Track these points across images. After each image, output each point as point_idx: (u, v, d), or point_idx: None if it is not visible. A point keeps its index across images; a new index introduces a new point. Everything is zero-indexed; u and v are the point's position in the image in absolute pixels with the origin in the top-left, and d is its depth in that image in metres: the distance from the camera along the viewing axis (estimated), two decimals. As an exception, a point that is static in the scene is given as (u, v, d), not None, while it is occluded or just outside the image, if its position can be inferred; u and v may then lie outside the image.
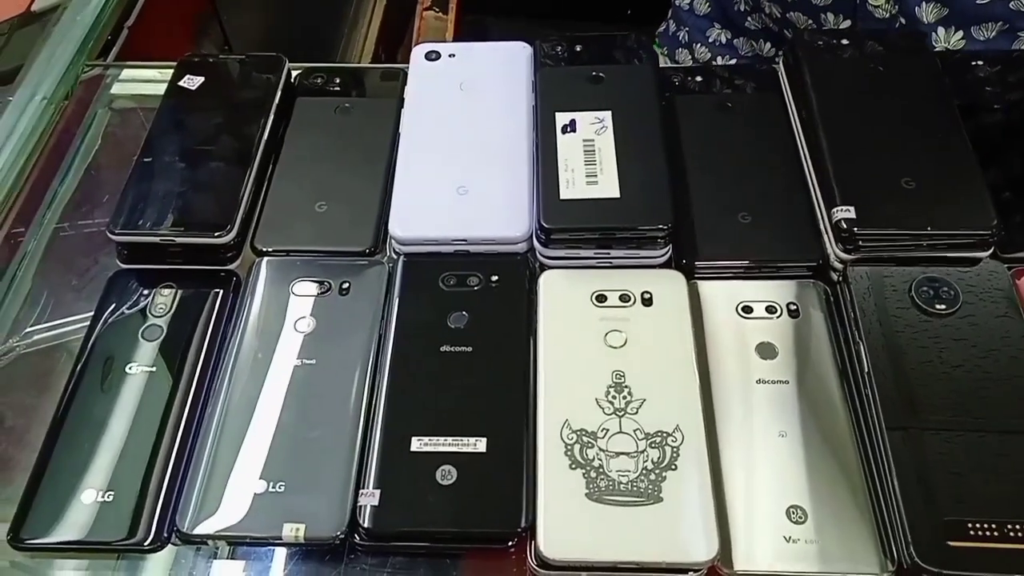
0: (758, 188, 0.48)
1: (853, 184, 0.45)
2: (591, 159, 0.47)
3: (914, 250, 0.44)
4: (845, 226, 0.44)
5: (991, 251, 0.44)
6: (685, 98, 0.54)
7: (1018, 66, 0.54)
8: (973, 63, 0.54)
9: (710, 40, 0.74)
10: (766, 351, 0.43)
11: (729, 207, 0.48)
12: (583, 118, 0.49)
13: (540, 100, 0.51)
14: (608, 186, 0.46)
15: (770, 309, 0.45)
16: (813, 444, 0.40)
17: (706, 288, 0.46)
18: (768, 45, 0.73)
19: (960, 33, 0.59)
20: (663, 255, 0.46)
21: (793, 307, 0.45)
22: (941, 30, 0.60)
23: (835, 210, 0.44)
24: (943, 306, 0.42)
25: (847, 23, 0.65)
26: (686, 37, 0.78)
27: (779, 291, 0.45)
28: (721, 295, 0.45)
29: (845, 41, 0.52)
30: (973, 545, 0.35)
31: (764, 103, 0.53)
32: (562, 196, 0.46)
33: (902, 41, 0.53)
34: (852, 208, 0.44)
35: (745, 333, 0.44)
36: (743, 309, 0.45)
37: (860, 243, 0.44)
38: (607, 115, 0.49)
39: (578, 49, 0.53)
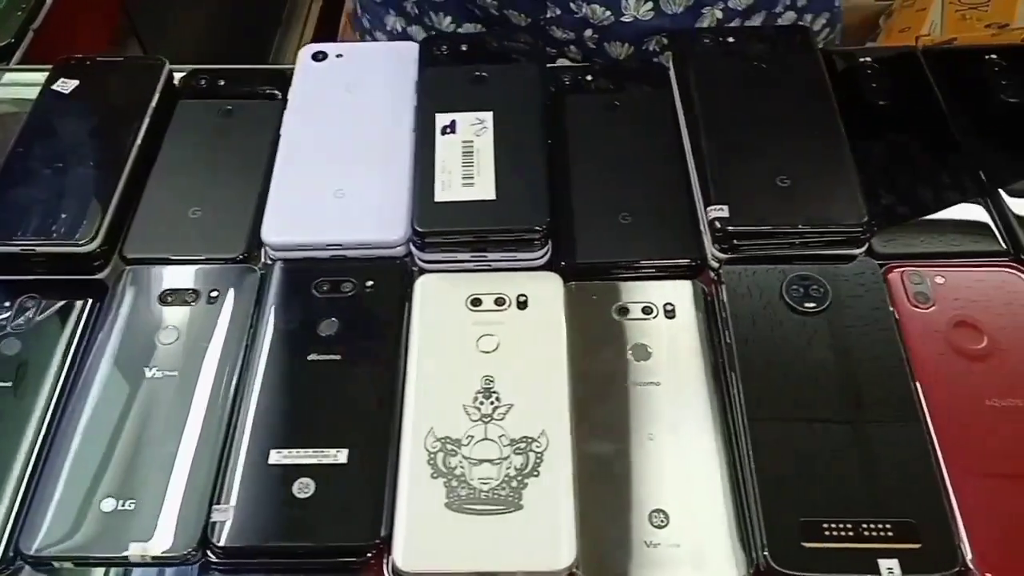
0: (640, 188, 0.48)
1: (728, 183, 0.45)
2: (469, 161, 0.47)
3: (789, 248, 0.44)
4: (719, 225, 0.44)
5: (865, 248, 0.45)
6: (574, 97, 0.53)
7: (906, 64, 0.54)
8: (861, 59, 0.54)
9: (388, 28, 0.69)
10: (640, 353, 0.43)
11: (610, 208, 0.47)
12: (464, 119, 0.48)
13: (421, 101, 0.50)
14: (484, 188, 0.46)
15: (646, 310, 0.44)
16: (681, 447, 0.39)
17: (583, 289, 0.45)
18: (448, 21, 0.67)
19: (650, 4, 0.58)
20: (541, 257, 0.46)
21: (670, 308, 0.44)
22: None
23: (709, 209, 0.44)
24: (813, 304, 0.42)
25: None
26: (367, 23, 0.72)
27: (656, 292, 0.45)
28: (598, 296, 0.45)
29: (731, 39, 0.52)
30: (828, 546, 0.35)
31: (653, 102, 0.52)
32: (437, 199, 0.45)
33: (787, 37, 0.53)
34: (726, 207, 0.44)
35: (621, 335, 0.43)
36: (620, 311, 0.44)
37: (733, 241, 0.44)
38: (488, 116, 0.48)
39: (464, 48, 0.53)
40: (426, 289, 0.45)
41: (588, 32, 0.60)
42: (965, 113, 0.51)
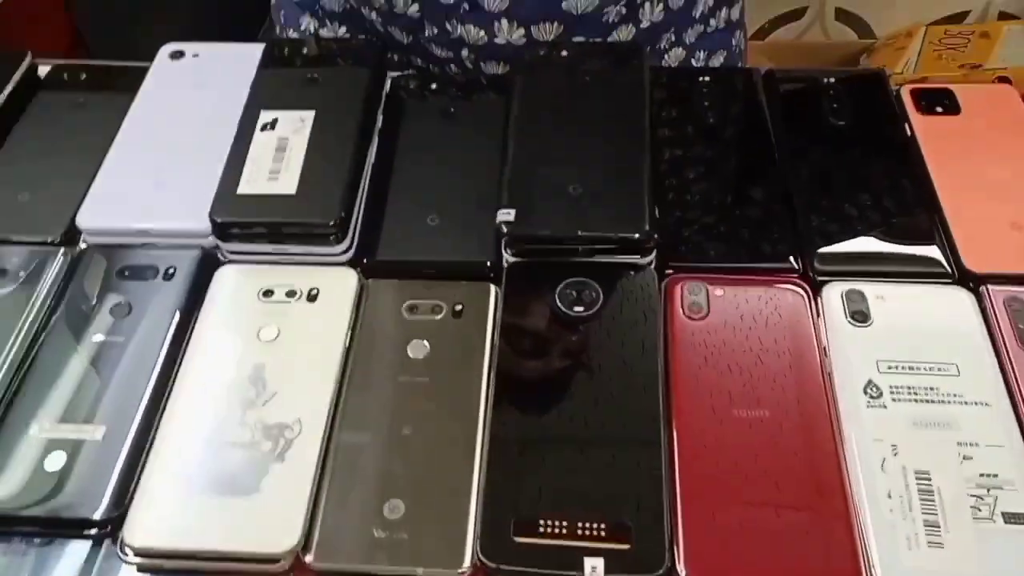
0: (452, 192, 0.49)
1: (521, 188, 0.46)
2: (280, 156, 0.48)
3: (572, 254, 0.45)
4: (504, 228, 0.45)
5: (651, 258, 0.45)
6: (413, 103, 0.54)
7: (741, 86, 0.55)
8: (700, 79, 0.55)
9: (302, 28, 0.70)
10: (417, 349, 0.43)
11: (420, 209, 0.48)
12: (286, 117, 0.50)
13: (250, 98, 0.51)
14: (287, 183, 0.47)
15: (435, 309, 0.45)
16: (434, 442, 0.40)
17: (378, 287, 0.46)
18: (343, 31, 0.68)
19: (522, 31, 0.59)
20: (343, 253, 0.47)
21: (459, 307, 0.45)
22: (504, 22, 0.59)
23: (498, 212, 0.45)
24: (582, 308, 0.43)
25: (415, 6, 0.61)
26: (283, 19, 0.73)
27: (448, 291, 0.45)
28: (392, 294, 0.46)
29: (564, 52, 0.53)
30: (539, 542, 0.35)
31: (488, 111, 0.53)
32: (239, 191, 0.46)
33: (620, 55, 0.54)
34: (513, 211, 0.45)
35: (405, 332, 0.44)
36: (409, 308, 0.45)
37: (517, 244, 0.45)
38: (311, 115, 0.50)
39: (304, 52, 0.54)
40: (223, 279, 0.46)
41: (465, 52, 0.61)
42: (789, 134, 0.51)
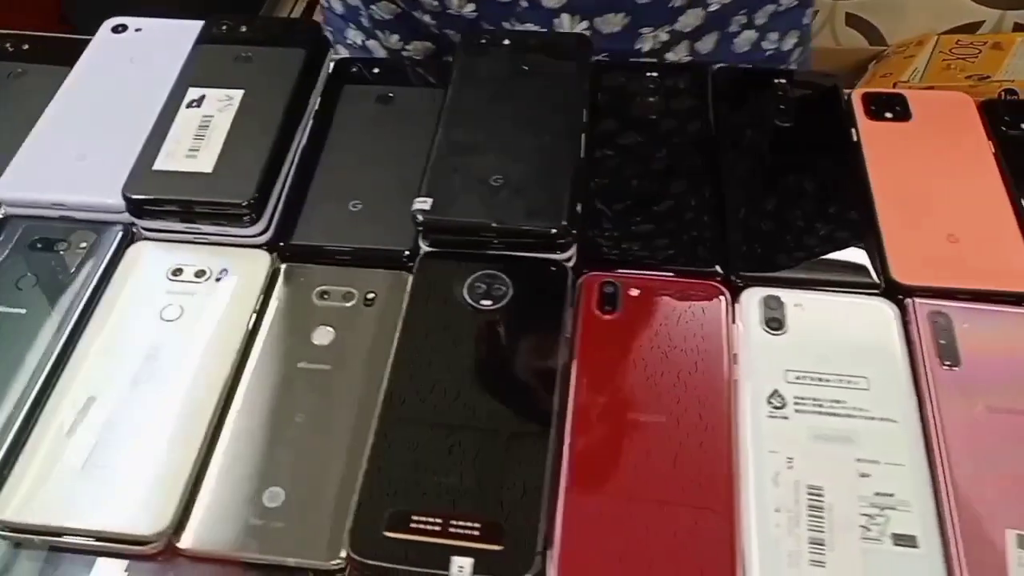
0: (379, 178, 0.48)
1: (441, 178, 0.45)
2: (201, 134, 0.47)
3: (488, 246, 0.44)
4: (419, 217, 0.43)
5: (569, 255, 0.44)
6: (353, 88, 0.53)
7: (690, 82, 0.53)
8: (648, 74, 0.54)
9: (348, 41, 0.69)
10: (323, 336, 0.43)
11: (343, 194, 0.47)
12: (213, 95, 0.49)
13: (181, 75, 0.50)
14: (205, 161, 0.46)
15: (347, 296, 0.44)
16: (325, 432, 0.39)
17: (291, 271, 0.45)
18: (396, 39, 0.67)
19: (585, 23, 0.57)
20: (259, 234, 0.46)
21: (371, 295, 0.44)
22: (565, 17, 0.57)
23: (415, 200, 0.44)
24: (489, 302, 0.42)
25: (471, 6, 0.60)
26: (331, 36, 0.72)
27: (362, 278, 0.44)
28: (303, 279, 0.45)
29: (506, 41, 0.52)
30: (409, 538, 0.34)
31: (423, 98, 0.52)
32: (155, 167, 0.46)
33: (564, 46, 0.52)
34: (430, 200, 0.44)
35: (313, 318, 0.43)
36: (320, 294, 0.44)
37: (432, 233, 0.44)
38: (239, 94, 0.49)
39: (243, 30, 0.53)
40: (135, 256, 0.45)
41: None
42: (732, 134, 0.50)
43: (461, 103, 0.49)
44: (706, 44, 0.60)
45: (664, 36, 0.57)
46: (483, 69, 0.51)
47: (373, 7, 0.64)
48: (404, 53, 0.66)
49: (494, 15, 0.58)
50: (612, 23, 0.56)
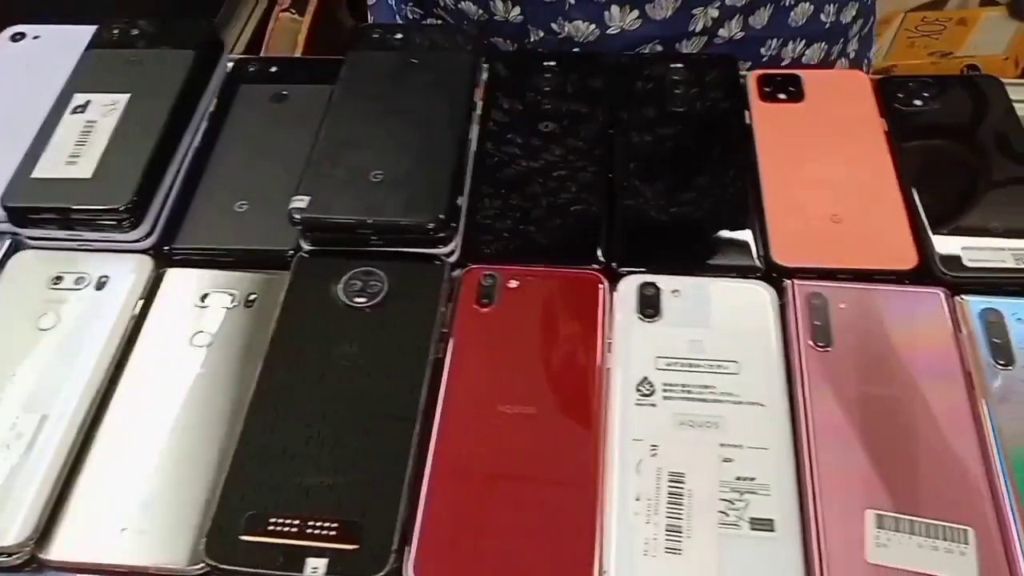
0: (266, 179, 0.47)
1: (320, 175, 0.44)
2: (83, 140, 0.47)
3: (366, 243, 0.43)
4: (296, 216, 0.43)
5: (449, 249, 0.44)
6: (246, 88, 0.53)
7: (589, 70, 0.53)
8: (545, 64, 0.53)
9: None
10: (202, 340, 0.42)
11: (230, 196, 0.47)
12: (98, 100, 0.49)
13: (69, 81, 0.50)
14: (85, 167, 0.46)
15: (228, 299, 0.44)
16: (197, 435, 0.39)
17: (172, 276, 0.45)
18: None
19: (636, 12, 0.56)
20: (140, 239, 0.45)
21: (253, 297, 0.44)
22: (615, 9, 0.56)
23: (292, 199, 0.44)
24: (364, 299, 0.41)
25: (516, 9, 0.59)
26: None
27: (243, 281, 0.44)
28: (186, 283, 0.44)
29: (399, 35, 0.52)
30: (265, 540, 0.34)
31: (319, 96, 0.52)
32: (33, 175, 0.45)
33: (451, 38, 0.52)
34: (307, 197, 0.43)
35: (192, 322, 0.43)
36: (201, 298, 0.44)
37: (312, 232, 0.43)
38: (124, 99, 0.49)
39: (134, 33, 0.53)
40: (18, 264, 0.45)
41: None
42: (626, 121, 0.49)
43: (346, 99, 0.48)
44: (759, 18, 0.58)
45: (714, 13, 0.57)
46: (372, 64, 0.50)
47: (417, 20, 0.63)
48: None
49: (542, 17, 0.57)
50: (663, 7, 0.56)
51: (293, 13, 1.25)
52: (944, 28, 1.51)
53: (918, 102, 0.49)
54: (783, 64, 0.59)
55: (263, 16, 1.54)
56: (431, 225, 0.42)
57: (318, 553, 0.34)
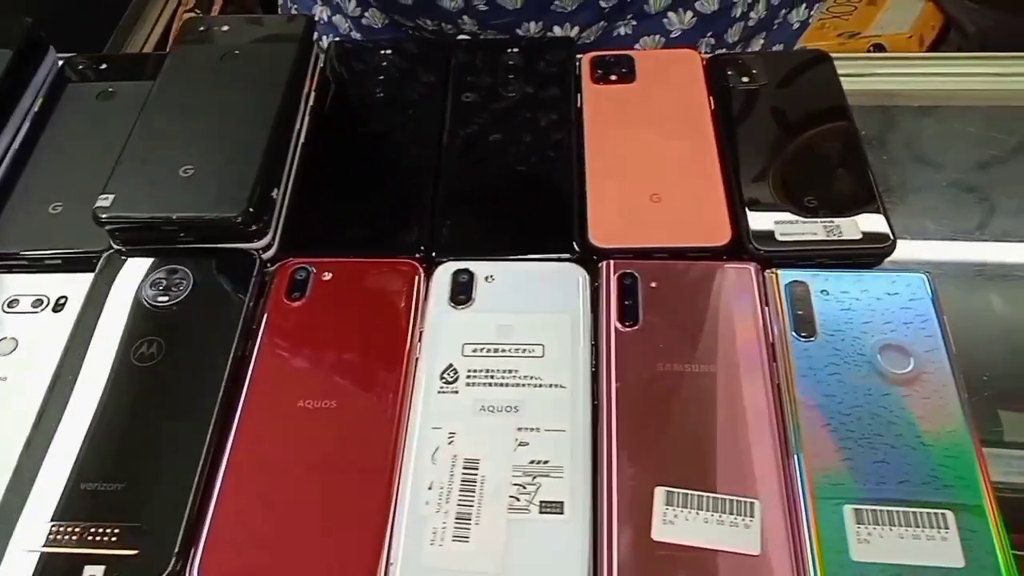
0: (84, 178, 0.45)
1: (128, 173, 0.43)
2: None
3: (176, 240, 0.42)
4: (100, 216, 0.42)
5: (264, 243, 0.43)
6: (73, 87, 0.51)
7: (433, 56, 0.52)
8: (383, 51, 0.52)
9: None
10: (6, 347, 0.41)
11: (45, 198, 0.45)
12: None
13: None
14: None
15: (37, 303, 0.42)
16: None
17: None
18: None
19: (691, 13, 0.60)
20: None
21: (62, 300, 0.42)
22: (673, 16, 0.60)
23: (97, 198, 0.42)
24: (166, 298, 0.40)
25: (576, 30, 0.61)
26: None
27: (54, 284, 0.42)
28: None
29: (226, 27, 0.50)
30: (47, 550, 0.33)
31: (145, 92, 0.50)
32: None
33: (280, 29, 0.50)
34: (111, 197, 0.42)
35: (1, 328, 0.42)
36: (10, 303, 0.42)
37: (120, 233, 0.42)
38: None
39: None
40: None
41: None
42: (459, 107, 0.49)
43: (163, 95, 0.47)
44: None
45: None
46: (194, 57, 0.49)
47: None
48: None
49: (604, 40, 0.60)
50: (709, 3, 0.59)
51: (197, 13, 1.23)
52: (855, 9, 1.54)
53: (746, 79, 0.49)
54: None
55: (171, 18, 1.51)
56: (239, 219, 0.41)
57: (96, 561, 0.33)
